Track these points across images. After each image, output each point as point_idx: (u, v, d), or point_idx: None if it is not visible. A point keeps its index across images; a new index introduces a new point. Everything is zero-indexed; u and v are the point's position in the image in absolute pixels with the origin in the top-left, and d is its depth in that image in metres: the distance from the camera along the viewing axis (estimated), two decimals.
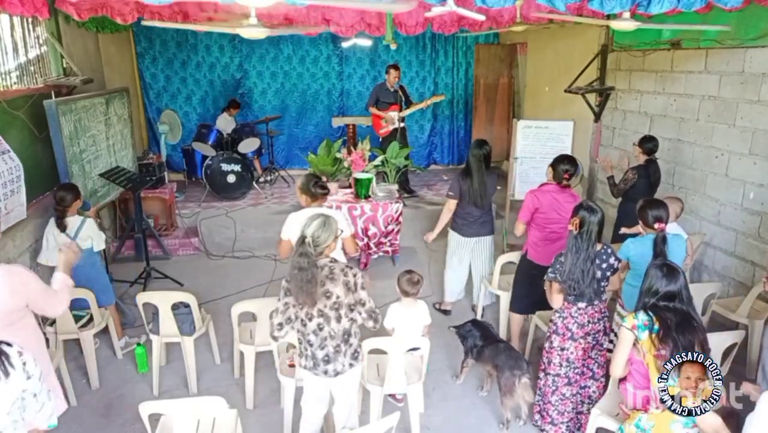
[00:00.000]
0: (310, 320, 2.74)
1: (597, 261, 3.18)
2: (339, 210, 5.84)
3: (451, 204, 4.70)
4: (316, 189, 3.78)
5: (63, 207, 4.09)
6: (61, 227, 4.10)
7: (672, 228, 3.67)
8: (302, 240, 2.69)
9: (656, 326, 2.53)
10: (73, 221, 4.14)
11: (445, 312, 5.05)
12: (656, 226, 3.28)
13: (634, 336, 2.61)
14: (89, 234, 4.21)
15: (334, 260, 2.79)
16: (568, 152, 6.16)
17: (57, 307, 2.81)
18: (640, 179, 4.75)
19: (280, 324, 2.76)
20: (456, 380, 4.09)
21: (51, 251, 4.15)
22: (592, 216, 3.12)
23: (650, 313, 2.57)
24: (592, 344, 3.31)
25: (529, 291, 4.15)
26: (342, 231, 2.93)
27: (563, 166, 4.00)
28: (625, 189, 4.85)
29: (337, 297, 2.72)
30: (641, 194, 4.68)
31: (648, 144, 4.82)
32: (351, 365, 2.86)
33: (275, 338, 2.82)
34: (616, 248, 3.49)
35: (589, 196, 6.83)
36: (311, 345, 2.80)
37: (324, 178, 6.22)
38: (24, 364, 1.94)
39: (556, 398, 3.40)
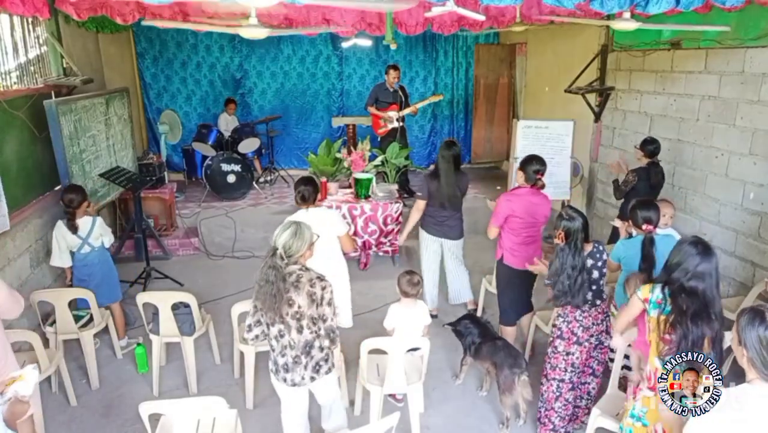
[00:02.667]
0: (273, 325, 2.71)
1: (591, 261, 3.15)
2: (339, 209, 5.84)
3: (420, 204, 4.67)
4: (307, 195, 3.80)
5: (73, 209, 4.10)
6: (73, 229, 4.11)
7: (663, 229, 3.67)
8: (273, 251, 2.63)
9: (668, 308, 2.45)
10: (83, 222, 4.17)
11: (432, 317, 4.91)
12: (644, 227, 3.29)
13: (643, 307, 2.55)
14: (100, 232, 4.26)
15: (305, 269, 2.72)
16: (569, 152, 6.19)
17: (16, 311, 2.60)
18: (640, 181, 4.75)
19: (250, 326, 2.78)
20: (456, 379, 4.09)
21: (63, 252, 4.19)
22: (574, 223, 3.06)
23: (666, 292, 2.47)
24: (594, 344, 3.29)
25: (514, 298, 4.11)
26: (318, 236, 2.85)
27: (533, 166, 3.84)
28: (625, 191, 4.85)
29: (299, 307, 2.65)
30: (641, 196, 4.68)
31: (649, 146, 4.81)
32: (312, 378, 2.79)
33: (244, 340, 2.79)
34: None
35: (589, 196, 6.83)
36: (273, 350, 2.78)
37: (324, 179, 6.27)
38: None
39: (559, 404, 3.34)
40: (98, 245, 4.27)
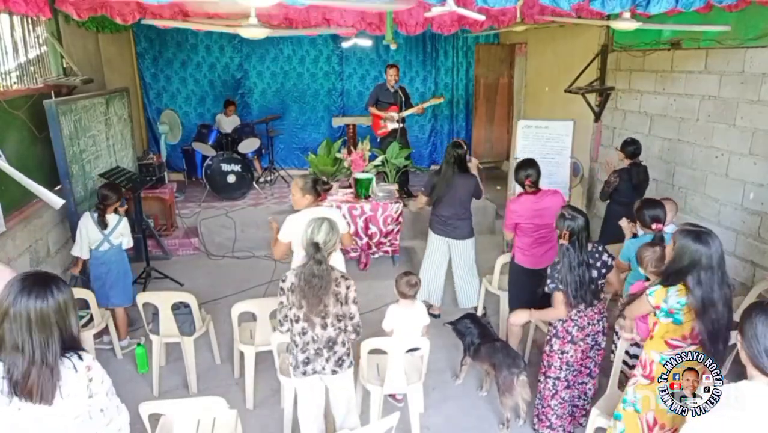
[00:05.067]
0: (297, 322, 2.78)
1: (590, 261, 3.16)
2: (339, 209, 5.84)
3: (421, 199, 4.84)
4: (321, 187, 3.76)
5: (105, 205, 4.26)
6: (103, 224, 4.26)
7: (669, 227, 3.68)
8: (316, 247, 2.70)
9: (680, 318, 2.43)
10: (111, 219, 4.31)
11: (435, 316, 4.87)
12: (654, 226, 3.28)
13: (651, 309, 2.54)
14: (122, 232, 4.38)
15: (332, 268, 2.80)
16: (569, 152, 6.18)
17: None
18: (622, 182, 4.81)
19: (281, 321, 2.84)
20: (456, 379, 4.09)
21: (83, 243, 4.31)
22: (576, 222, 3.09)
23: (682, 302, 2.40)
24: (591, 345, 3.31)
25: (521, 295, 4.13)
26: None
27: (520, 173, 4.01)
28: (608, 192, 4.89)
29: (324, 306, 2.73)
30: (624, 197, 4.76)
31: (629, 147, 4.86)
32: (334, 371, 2.86)
33: (282, 332, 2.89)
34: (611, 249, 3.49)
35: (589, 196, 6.84)
36: (296, 346, 2.84)
37: (324, 178, 6.27)
38: (90, 380, 1.89)
39: (555, 402, 3.38)
40: (117, 243, 4.36)
